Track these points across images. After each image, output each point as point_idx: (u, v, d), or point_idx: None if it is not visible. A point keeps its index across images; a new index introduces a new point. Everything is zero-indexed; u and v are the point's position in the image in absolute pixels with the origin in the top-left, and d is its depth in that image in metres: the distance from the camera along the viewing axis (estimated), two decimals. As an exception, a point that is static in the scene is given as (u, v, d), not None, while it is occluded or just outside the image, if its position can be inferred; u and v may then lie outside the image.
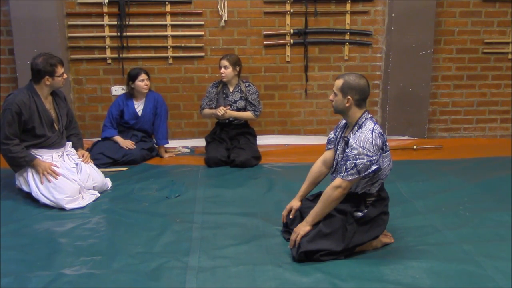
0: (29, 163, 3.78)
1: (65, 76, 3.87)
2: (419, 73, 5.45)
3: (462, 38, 5.57)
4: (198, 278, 2.75)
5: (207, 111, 4.94)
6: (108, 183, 4.17)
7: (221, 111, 4.78)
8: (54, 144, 3.93)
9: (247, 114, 4.93)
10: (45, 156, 3.88)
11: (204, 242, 3.19)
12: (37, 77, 3.79)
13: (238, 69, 4.86)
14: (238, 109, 4.91)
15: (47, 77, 3.77)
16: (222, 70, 4.79)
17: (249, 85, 4.95)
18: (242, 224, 3.45)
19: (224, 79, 4.84)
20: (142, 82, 4.84)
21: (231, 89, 4.93)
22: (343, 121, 3.10)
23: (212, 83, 5.02)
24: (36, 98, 3.80)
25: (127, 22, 5.27)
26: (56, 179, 3.76)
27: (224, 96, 4.93)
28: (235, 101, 4.90)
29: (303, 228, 2.95)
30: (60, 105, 4.02)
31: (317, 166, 3.23)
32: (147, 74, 4.89)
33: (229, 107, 4.85)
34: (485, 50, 5.60)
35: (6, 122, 3.70)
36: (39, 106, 3.81)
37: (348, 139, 2.92)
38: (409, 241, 3.18)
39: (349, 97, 2.90)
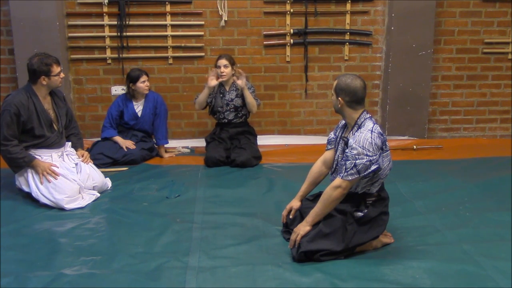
0: (29, 163, 3.77)
1: (62, 75, 3.86)
2: (419, 73, 5.45)
3: (462, 38, 5.57)
4: (198, 278, 2.75)
5: (200, 96, 4.88)
6: (108, 183, 4.17)
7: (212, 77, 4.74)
8: (53, 144, 3.93)
9: (252, 98, 4.84)
10: (44, 156, 3.88)
11: (204, 242, 3.19)
12: (33, 78, 3.79)
13: (234, 68, 4.87)
14: (236, 107, 4.92)
15: (43, 77, 3.77)
16: (222, 69, 4.78)
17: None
18: (242, 224, 3.45)
19: (224, 79, 4.83)
20: (143, 84, 4.85)
21: (227, 88, 4.93)
22: (343, 121, 3.10)
23: None
24: (35, 98, 3.80)
25: (127, 22, 5.27)
26: (56, 179, 3.76)
27: (221, 96, 4.93)
28: (232, 100, 4.91)
29: (303, 228, 2.95)
30: (59, 105, 4.02)
31: (317, 166, 3.23)
32: (147, 74, 4.89)
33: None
34: (485, 50, 5.60)
35: (4, 123, 3.70)
36: (38, 106, 3.81)
37: (348, 140, 2.92)
38: (409, 241, 3.18)
39: (340, 98, 2.92)
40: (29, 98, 3.78)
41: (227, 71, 4.79)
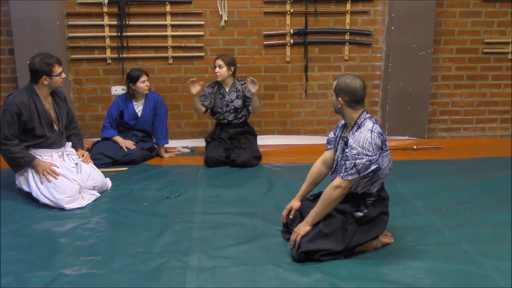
0: (29, 163, 3.77)
1: (63, 75, 3.87)
2: (419, 73, 5.45)
3: (462, 38, 5.57)
4: (198, 278, 2.75)
5: (194, 105, 4.94)
6: (108, 183, 4.17)
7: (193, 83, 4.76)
8: (54, 144, 3.93)
9: (258, 103, 4.90)
10: (45, 156, 3.88)
11: (204, 242, 3.19)
12: (35, 77, 3.79)
13: (232, 69, 4.87)
14: (236, 108, 4.92)
15: (44, 76, 3.77)
16: (217, 69, 4.81)
17: (245, 83, 4.95)
18: (242, 224, 3.45)
19: (219, 79, 4.85)
20: (143, 84, 4.84)
21: (227, 89, 4.93)
22: (343, 121, 3.10)
23: (209, 83, 5.03)
24: (36, 98, 3.81)
25: (127, 22, 5.27)
26: (56, 179, 3.76)
27: (221, 96, 4.93)
28: (232, 101, 4.91)
29: (303, 228, 2.95)
30: (60, 105, 4.02)
31: (317, 166, 3.23)
32: (147, 74, 4.89)
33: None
34: (485, 50, 5.60)
35: (5, 123, 3.70)
36: (39, 106, 3.81)
37: (348, 139, 2.92)
38: (409, 241, 3.18)
39: (339, 98, 2.92)
40: (31, 98, 3.79)
41: (221, 71, 4.80)
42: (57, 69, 3.81)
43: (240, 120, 5.01)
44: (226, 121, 4.99)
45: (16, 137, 3.75)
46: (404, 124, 5.56)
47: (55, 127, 3.95)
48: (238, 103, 4.92)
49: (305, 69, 5.52)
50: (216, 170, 4.67)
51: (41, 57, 3.78)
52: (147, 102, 4.96)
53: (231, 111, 4.94)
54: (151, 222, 3.49)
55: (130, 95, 4.93)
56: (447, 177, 4.40)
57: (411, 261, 2.90)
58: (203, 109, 4.96)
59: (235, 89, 4.92)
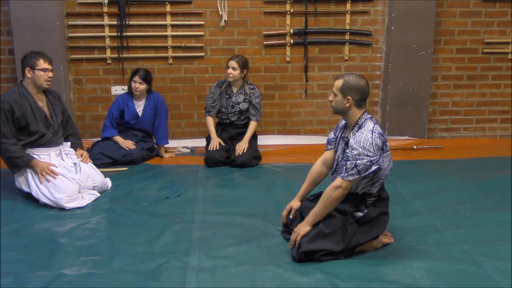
0: (27, 163, 3.77)
1: (49, 74, 3.82)
2: (419, 73, 5.45)
3: (462, 38, 5.57)
4: (198, 278, 2.75)
5: (210, 126, 4.98)
6: (108, 183, 4.17)
7: (216, 145, 4.84)
8: (50, 142, 3.92)
9: (252, 127, 4.94)
10: (42, 155, 3.87)
11: (204, 242, 3.19)
12: (22, 70, 3.82)
13: (245, 72, 4.86)
14: (241, 111, 4.92)
15: (27, 68, 3.78)
16: (230, 70, 4.79)
17: (254, 88, 4.95)
18: (242, 224, 3.45)
19: (230, 79, 4.84)
20: (134, 84, 4.83)
21: (234, 91, 4.93)
22: (343, 122, 3.10)
23: (216, 83, 5.02)
24: (28, 95, 3.81)
25: (127, 22, 5.27)
26: (55, 179, 3.75)
27: (227, 97, 4.93)
28: (238, 103, 4.90)
29: (303, 228, 2.95)
30: (54, 103, 4.00)
31: (317, 166, 3.23)
32: (144, 78, 4.81)
33: (242, 148, 4.83)
34: (485, 50, 5.60)
35: (0, 122, 3.70)
36: (32, 103, 3.81)
37: (348, 140, 2.92)
38: (409, 241, 3.18)
39: (349, 97, 2.90)
40: (22, 95, 3.79)
41: (234, 73, 4.79)
42: (42, 63, 3.78)
43: (242, 122, 5.01)
44: (228, 121, 4.99)
45: (13, 136, 3.74)
46: (404, 124, 5.56)
47: (50, 122, 3.93)
48: (244, 106, 4.91)
49: (305, 69, 5.52)
50: (216, 170, 4.67)
51: (34, 51, 3.82)
52: (147, 101, 4.96)
53: (236, 112, 4.93)
54: (151, 222, 3.49)
55: (131, 94, 4.93)
56: (447, 177, 4.40)
57: (411, 261, 2.90)
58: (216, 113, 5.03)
59: (243, 92, 4.92)
